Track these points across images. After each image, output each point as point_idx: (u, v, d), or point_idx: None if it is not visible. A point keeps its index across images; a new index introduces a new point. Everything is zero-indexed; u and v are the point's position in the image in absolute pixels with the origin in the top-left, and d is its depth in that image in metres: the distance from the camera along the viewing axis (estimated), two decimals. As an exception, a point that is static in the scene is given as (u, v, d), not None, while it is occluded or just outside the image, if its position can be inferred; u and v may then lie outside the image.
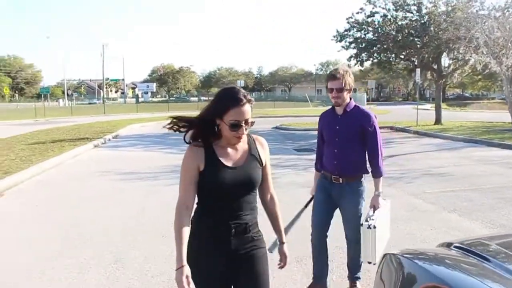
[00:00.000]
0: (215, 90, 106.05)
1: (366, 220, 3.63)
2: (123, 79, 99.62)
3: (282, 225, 2.55)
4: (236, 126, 2.15)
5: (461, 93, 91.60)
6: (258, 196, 2.40)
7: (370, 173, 3.77)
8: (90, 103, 78.12)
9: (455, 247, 2.31)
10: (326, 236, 3.91)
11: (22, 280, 4.24)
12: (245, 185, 2.26)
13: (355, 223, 3.74)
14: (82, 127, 22.92)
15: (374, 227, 3.58)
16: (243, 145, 2.31)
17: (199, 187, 2.24)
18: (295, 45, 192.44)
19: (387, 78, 77.67)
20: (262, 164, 2.36)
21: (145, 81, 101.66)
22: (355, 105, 3.74)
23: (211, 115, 2.21)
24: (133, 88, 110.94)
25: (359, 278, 4.02)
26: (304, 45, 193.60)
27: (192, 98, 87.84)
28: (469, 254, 2.15)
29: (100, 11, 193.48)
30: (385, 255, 2.42)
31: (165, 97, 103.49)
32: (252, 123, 2.21)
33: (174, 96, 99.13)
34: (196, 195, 2.26)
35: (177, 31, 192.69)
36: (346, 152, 3.71)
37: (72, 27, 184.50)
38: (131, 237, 5.53)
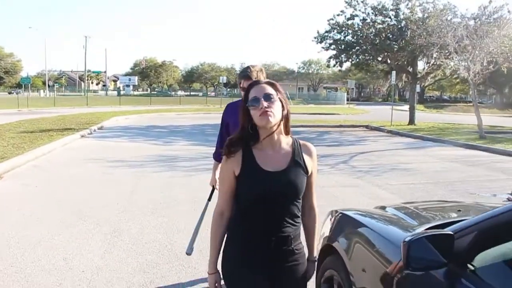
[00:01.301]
0: (197, 85, 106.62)
1: None
2: (105, 72, 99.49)
3: (317, 241, 2.39)
4: (255, 101, 2.02)
5: (440, 95, 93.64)
6: None
7: None
8: (77, 95, 77.69)
9: (386, 208, 3.16)
10: None
11: (37, 245, 4.96)
12: (285, 192, 2.07)
13: None
14: (66, 118, 23.39)
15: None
16: (286, 148, 2.14)
17: (237, 193, 2.13)
18: (277, 43, 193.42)
19: (367, 79, 78.95)
20: (308, 172, 2.15)
21: (127, 74, 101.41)
22: None
23: (244, 110, 2.08)
24: (115, 81, 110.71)
25: None
26: (285, 43, 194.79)
27: (174, 93, 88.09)
28: (393, 212, 2.99)
29: (84, 2, 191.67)
30: (330, 211, 3.24)
31: (146, 90, 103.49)
32: (271, 97, 2.05)
33: (156, 90, 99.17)
34: (235, 201, 2.16)
35: (161, 24, 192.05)
36: None
37: (54, 17, 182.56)
38: (125, 212, 6.28)
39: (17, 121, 20.18)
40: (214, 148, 4.03)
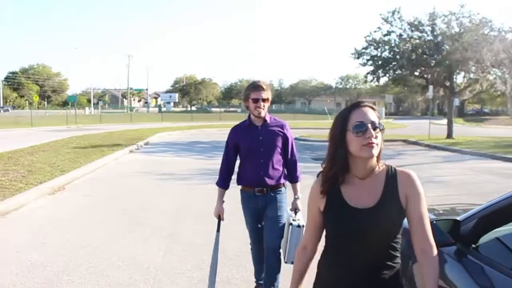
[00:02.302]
0: (236, 101, 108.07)
1: (294, 220, 3.73)
2: (146, 89, 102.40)
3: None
4: (361, 128, 1.79)
5: (480, 109, 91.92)
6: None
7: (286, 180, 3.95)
8: (119, 112, 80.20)
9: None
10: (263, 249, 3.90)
11: (105, 247, 5.68)
12: (373, 233, 1.81)
13: (279, 230, 3.79)
14: (114, 134, 24.59)
15: (303, 226, 3.60)
16: (377, 180, 1.87)
17: (326, 228, 1.96)
18: (315, 59, 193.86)
19: (405, 93, 78.47)
20: (403, 207, 1.84)
21: (167, 91, 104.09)
22: (269, 116, 3.86)
23: (337, 135, 1.85)
24: (156, 98, 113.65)
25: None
26: (324, 58, 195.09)
27: (213, 109, 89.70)
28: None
29: (124, 21, 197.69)
30: None
31: (186, 107, 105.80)
32: (377, 126, 1.82)
33: (196, 106, 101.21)
34: (323, 235, 2.01)
35: (201, 41, 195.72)
36: (272, 161, 3.77)
37: (97, 37, 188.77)
38: (178, 220, 6.96)
39: (69, 137, 21.43)
40: (218, 174, 3.99)
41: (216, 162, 13.99)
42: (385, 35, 24.77)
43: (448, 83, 25.24)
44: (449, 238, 2.26)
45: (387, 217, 1.81)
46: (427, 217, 1.85)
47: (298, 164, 3.97)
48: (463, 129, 33.66)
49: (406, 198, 1.84)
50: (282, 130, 3.82)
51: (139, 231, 6.35)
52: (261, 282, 3.99)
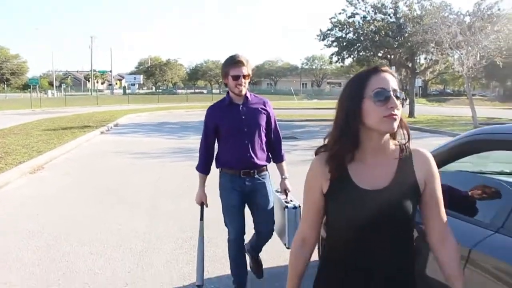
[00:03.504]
0: (201, 83, 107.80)
1: (287, 202, 3.61)
2: (110, 71, 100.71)
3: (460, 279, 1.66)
4: (382, 96, 1.53)
5: (443, 89, 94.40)
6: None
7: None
8: (83, 94, 78.99)
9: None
10: (243, 240, 3.69)
11: (94, 217, 6.11)
12: (386, 218, 1.57)
13: (271, 216, 3.66)
14: (81, 116, 24.57)
15: (299, 206, 3.53)
16: (390, 159, 1.63)
17: (327, 218, 1.70)
18: (282, 39, 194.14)
19: (370, 74, 79.71)
20: (419, 189, 1.62)
21: (132, 73, 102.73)
22: (249, 93, 3.58)
23: (350, 104, 1.58)
24: (120, 80, 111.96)
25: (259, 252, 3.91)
26: (290, 39, 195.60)
27: (179, 91, 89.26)
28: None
29: (87, 0, 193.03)
30: None
31: (151, 89, 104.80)
32: (400, 95, 1.56)
33: (161, 88, 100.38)
34: (322, 226, 1.74)
35: (165, 23, 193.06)
36: (257, 141, 3.52)
37: (58, 18, 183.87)
38: (157, 195, 7.42)
39: (37, 120, 21.37)
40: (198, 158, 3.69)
41: (186, 142, 14.67)
42: (349, 17, 25.49)
43: (410, 64, 26.21)
44: None
45: (401, 199, 1.56)
46: (442, 202, 1.66)
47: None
48: (425, 109, 34.93)
49: (424, 180, 1.62)
50: (264, 108, 3.57)
51: (122, 203, 6.80)
52: (238, 285, 3.73)
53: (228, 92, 3.57)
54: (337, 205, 1.61)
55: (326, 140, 1.67)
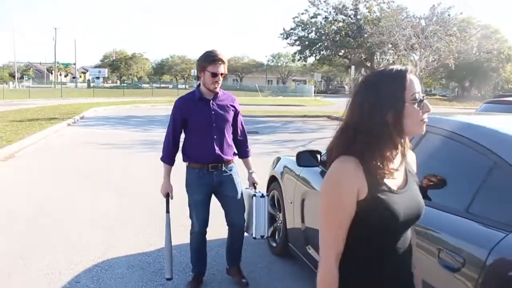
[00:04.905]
0: (167, 77, 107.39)
1: (255, 194, 3.82)
2: (74, 64, 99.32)
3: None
4: (420, 101, 1.50)
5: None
6: None
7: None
8: (46, 87, 77.75)
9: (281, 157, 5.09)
10: (206, 233, 3.84)
11: (68, 197, 6.73)
12: (413, 216, 1.58)
13: (241, 206, 3.80)
14: (46, 108, 24.68)
15: (267, 195, 3.89)
16: (402, 158, 1.60)
17: (356, 226, 1.51)
18: (248, 36, 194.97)
19: (335, 72, 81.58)
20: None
21: (96, 66, 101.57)
22: (219, 89, 3.67)
23: (394, 103, 1.49)
24: (84, 73, 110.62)
25: (240, 260, 4.02)
26: (256, 37, 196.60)
27: (144, 85, 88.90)
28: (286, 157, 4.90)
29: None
30: (275, 158, 5.11)
31: (116, 83, 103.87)
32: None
33: (126, 82, 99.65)
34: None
35: (131, 17, 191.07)
36: (224, 136, 3.67)
37: (20, 8, 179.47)
38: (126, 180, 8.08)
39: (1, 112, 21.45)
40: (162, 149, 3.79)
41: (152, 134, 15.30)
42: (312, 17, 26.49)
43: (369, 64, 27.41)
44: (315, 162, 3.62)
45: (420, 198, 1.61)
46: None
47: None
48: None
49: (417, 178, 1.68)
50: (233, 104, 3.73)
51: (93, 186, 7.45)
52: (196, 273, 3.92)
53: (198, 86, 3.66)
54: (376, 210, 1.48)
55: (336, 143, 1.56)
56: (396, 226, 1.53)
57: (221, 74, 3.50)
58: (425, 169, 2.43)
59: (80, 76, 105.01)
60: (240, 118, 3.81)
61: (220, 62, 3.46)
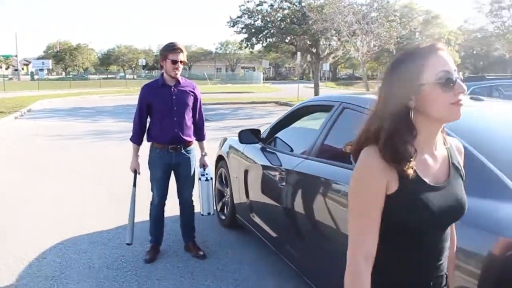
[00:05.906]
0: (114, 68, 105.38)
1: (202, 175, 4.30)
2: (16, 56, 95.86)
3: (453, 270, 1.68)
4: (450, 81, 1.33)
5: (352, 73, 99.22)
6: None
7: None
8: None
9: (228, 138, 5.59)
10: (164, 205, 4.30)
11: (31, 183, 6.97)
12: (452, 214, 1.46)
13: (191, 186, 4.28)
14: (-10, 102, 24.16)
15: (212, 178, 4.39)
16: (442, 150, 1.48)
17: (387, 224, 1.39)
18: (196, 24, 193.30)
19: (283, 58, 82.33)
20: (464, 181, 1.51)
21: (39, 58, 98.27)
22: (181, 77, 4.11)
23: (410, 86, 1.35)
24: (26, 65, 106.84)
25: (194, 236, 4.46)
26: (204, 24, 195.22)
27: (91, 76, 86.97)
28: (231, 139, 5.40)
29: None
30: (222, 139, 5.57)
31: (61, 74, 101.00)
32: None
33: (71, 73, 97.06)
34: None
35: (74, 7, 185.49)
36: (184, 119, 4.07)
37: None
38: (83, 167, 8.35)
39: None
40: (132, 131, 4.19)
41: (102, 125, 15.47)
42: (257, 5, 26.93)
43: (314, 50, 28.16)
44: (255, 139, 4.11)
45: (462, 193, 1.47)
46: None
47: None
48: (332, 92, 37.31)
49: (463, 172, 1.53)
50: (193, 91, 4.15)
51: (51, 175, 7.71)
52: (154, 242, 4.33)
53: (162, 74, 4.09)
54: (407, 206, 1.36)
55: (361, 132, 1.44)
56: (430, 225, 1.41)
57: (181, 61, 3.94)
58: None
59: (23, 69, 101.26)
60: (199, 103, 4.24)
61: (179, 51, 3.90)
